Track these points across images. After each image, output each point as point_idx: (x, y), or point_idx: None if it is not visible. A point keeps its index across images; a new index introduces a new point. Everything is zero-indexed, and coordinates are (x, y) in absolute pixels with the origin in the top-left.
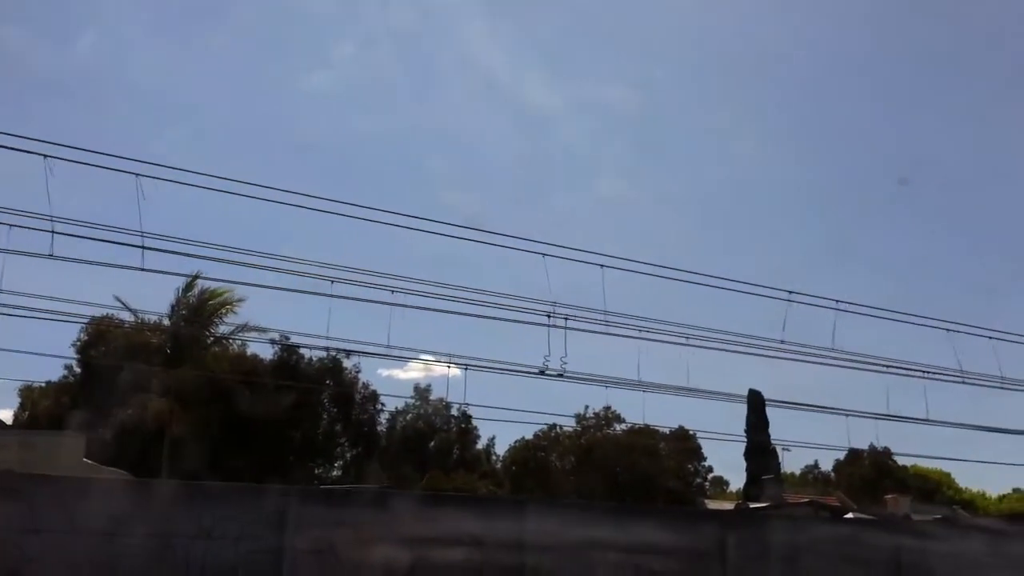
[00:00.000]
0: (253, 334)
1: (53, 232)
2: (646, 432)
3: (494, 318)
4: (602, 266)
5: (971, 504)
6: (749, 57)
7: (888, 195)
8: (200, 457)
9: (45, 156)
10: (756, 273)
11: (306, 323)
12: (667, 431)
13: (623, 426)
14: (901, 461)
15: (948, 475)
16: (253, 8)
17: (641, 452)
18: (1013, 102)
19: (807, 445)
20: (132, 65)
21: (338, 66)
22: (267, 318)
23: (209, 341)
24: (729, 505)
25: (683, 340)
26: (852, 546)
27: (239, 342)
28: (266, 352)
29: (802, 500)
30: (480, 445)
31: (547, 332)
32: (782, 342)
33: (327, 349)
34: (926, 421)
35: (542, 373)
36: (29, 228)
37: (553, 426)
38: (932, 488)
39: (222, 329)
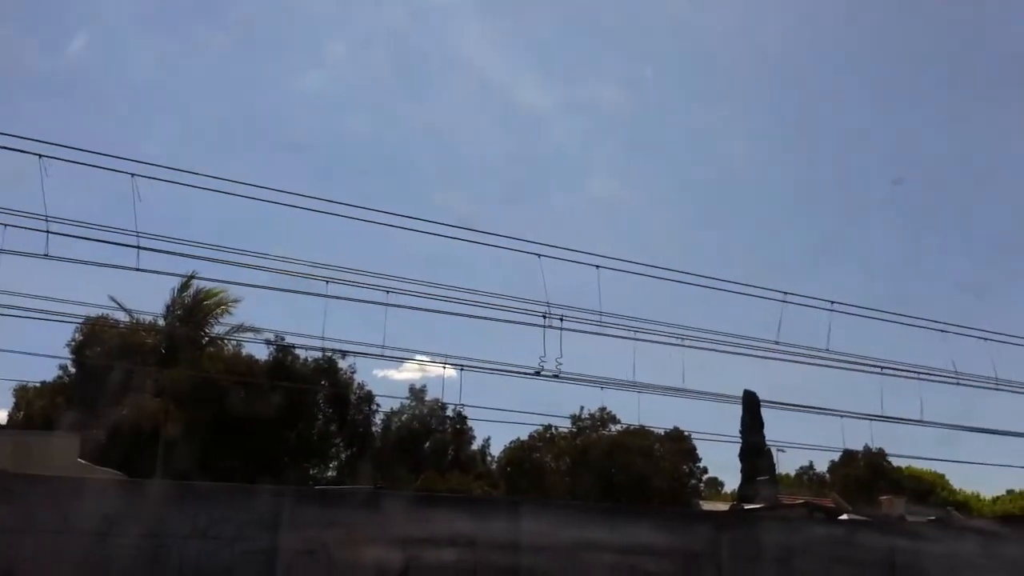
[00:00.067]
0: (248, 334)
1: (48, 232)
2: (641, 433)
3: (489, 319)
4: (597, 267)
5: (965, 505)
6: (741, 56)
7: (881, 195)
8: (194, 457)
9: (40, 156)
10: (749, 273)
11: (301, 323)
12: (662, 432)
13: (618, 427)
14: (895, 462)
15: (942, 476)
16: (247, 8)
17: (636, 453)
18: (1004, 102)
19: (802, 446)
20: (126, 64)
21: (331, 66)
22: (262, 318)
23: (204, 342)
24: (724, 506)
25: (678, 341)
26: (846, 547)
27: (234, 342)
28: (261, 353)
29: (797, 501)
30: (475, 446)
31: (542, 333)
32: (776, 343)
33: (322, 350)
34: (920, 422)
35: (537, 374)
36: (24, 228)
37: (548, 427)
38: (926, 489)
39: (217, 329)
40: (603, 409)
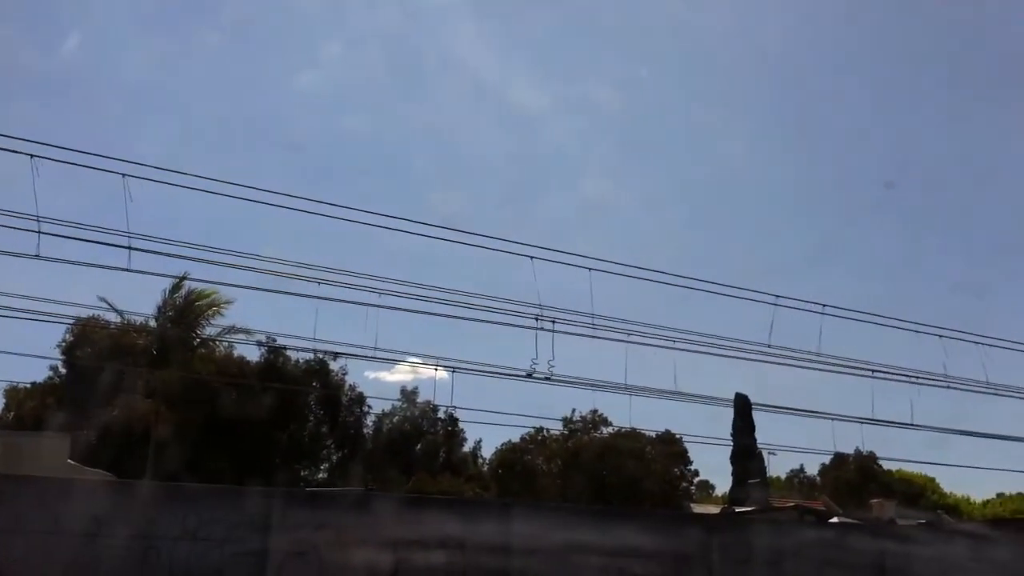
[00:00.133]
0: (240, 336)
1: (39, 232)
2: (632, 435)
3: (481, 320)
4: (590, 269)
5: (956, 509)
6: (737, 57)
7: (877, 197)
8: (185, 459)
9: (31, 156)
10: (743, 276)
11: (293, 325)
12: (654, 435)
13: (610, 429)
14: (886, 465)
15: (933, 479)
16: (241, 8)
17: (628, 456)
18: (1003, 102)
19: (793, 449)
20: (120, 64)
21: (326, 66)
22: (253, 320)
23: (195, 343)
24: (715, 509)
25: (670, 343)
26: (836, 550)
27: (225, 344)
28: (252, 354)
29: (788, 504)
30: (466, 448)
31: (535, 335)
32: (768, 346)
33: (314, 351)
34: (911, 425)
35: (529, 376)
36: (15, 228)
37: (540, 429)
38: (917, 492)
39: (209, 331)
40: (595, 411)
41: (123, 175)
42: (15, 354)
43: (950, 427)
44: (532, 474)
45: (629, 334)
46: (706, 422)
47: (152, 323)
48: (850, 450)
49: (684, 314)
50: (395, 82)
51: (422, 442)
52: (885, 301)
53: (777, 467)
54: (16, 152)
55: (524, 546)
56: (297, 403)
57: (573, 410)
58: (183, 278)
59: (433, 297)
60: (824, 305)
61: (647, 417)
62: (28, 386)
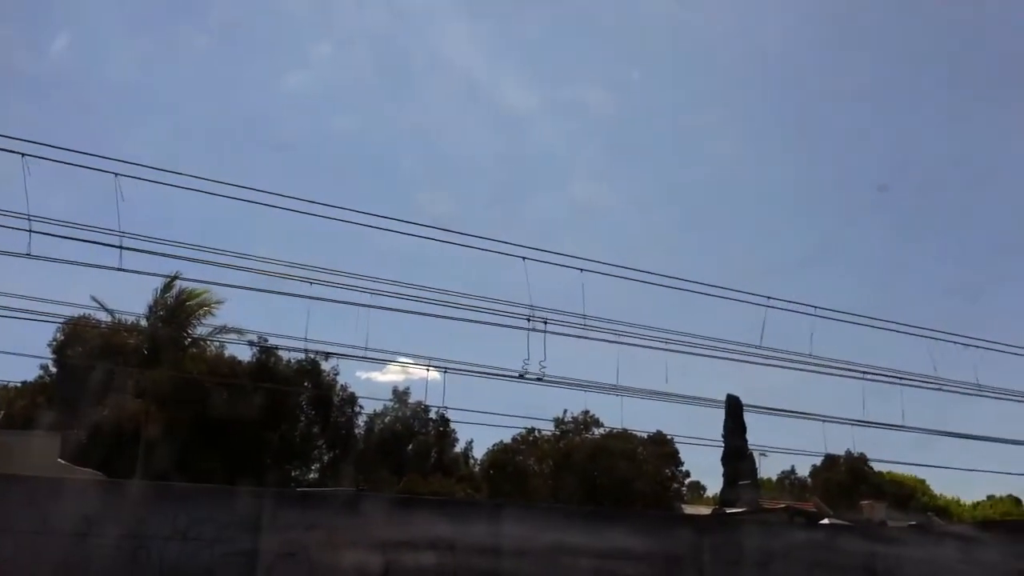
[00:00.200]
0: (231, 335)
1: (30, 231)
2: (624, 436)
3: (473, 321)
4: (582, 270)
5: (946, 510)
6: (728, 59)
7: (868, 200)
8: (175, 458)
9: (23, 155)
10: (734, 278)
11: (284, 325)
12: (645, 435)
13: (601, 430)
14: (877, 467)
15: (923, 481)
16: (229, 9)
17: (619, 457)
18: (1002, 103)
19: (784, 450)
20: (108, 65)
21: (315, 66)
22: (245, 319)
23: (187, 342)
24: (706, 510)
25: (661, 345)
26: (827, 552)
27: (217, 344)
28: (244, 354)
29: (778, 505)
30: (458, 448)
31: (526, 335)
32: (760, 347)
33: (305, 351)
34: (901, 427)
35: (521, 377)
36: (6, 227)
37: (531, 430)
38: (907, 494)
39: (200, 330)
40: (586, 412)
41: (115, 174)
42: (6, 353)
43: (940, 429)
44: (523, 475)
45: (620, 335)
46: (697, 423)
47: (143, 322)
48: (841, 452)
49: (675, 315)
50: (383, 82)
51: (413, 442)
52: (877, 303)
53: (768, 468)
54: (7, 151)
55: (515, 547)
56: (288, 403)
57: (564, 411)
58: (174, 278)
59: (425, 297)
60: (815, 307)
61: (638, 418)
62: (19, 385)
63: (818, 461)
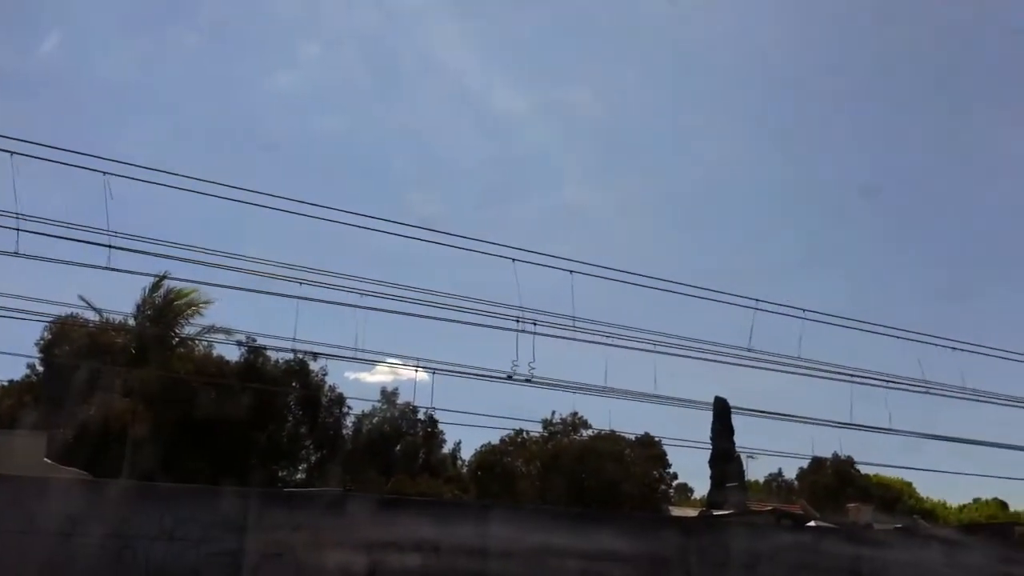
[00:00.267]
0: (219, 335)
1: (18, 230)
2: (611, 438)
3: (462, 322)
4: (571, 272)
5: (932, 513)
6: (716, 61)
7: (856, 203)
8: (162, 458)
9: (12, 153)
10: (722, 280)
11: (273, 325)
12: (632, 437)
13: (589, 432)
14: (863, 470)
15: (909, 484)
16: (218, 8)
17: (607, 458)
18: (985, 110)
19: (771, 453)
20: (98, 64)
21: (304, 67)
22: (234, 319)
23: (174, 342)
24: (693, 512)
25: (650, 347)
26: (812, 554)
27: (205, 343)
28: (232, 354)
29: (765, 508)
30: (446, 449)
31: (515, 337)
32: (748, 350)
33: (294, 351)
34: (889, 430)
35: (510, 378)
36: None
37: (519, 431)
38: (894, 497)
39: (188, 330)
40: (574, 414)
41: (104, 173)
42: None
43: (927, 432)
44: (511, 476)
45: (609, 337)
46: (685, 425)
47: (131, 322)
48: (828, 454)
49: (664, 317)
50: (373, 83)
51: (401, 443)
52: (864, 307)
53: (755, 471)
54: None
55: (499, 548)
56: (276, 403)
57: (553, 412)
58: (163, 277)
59: (414, 298)
60: (804, 310)
61: (626, 420)
62: (5, 384)
63: (805, 464)
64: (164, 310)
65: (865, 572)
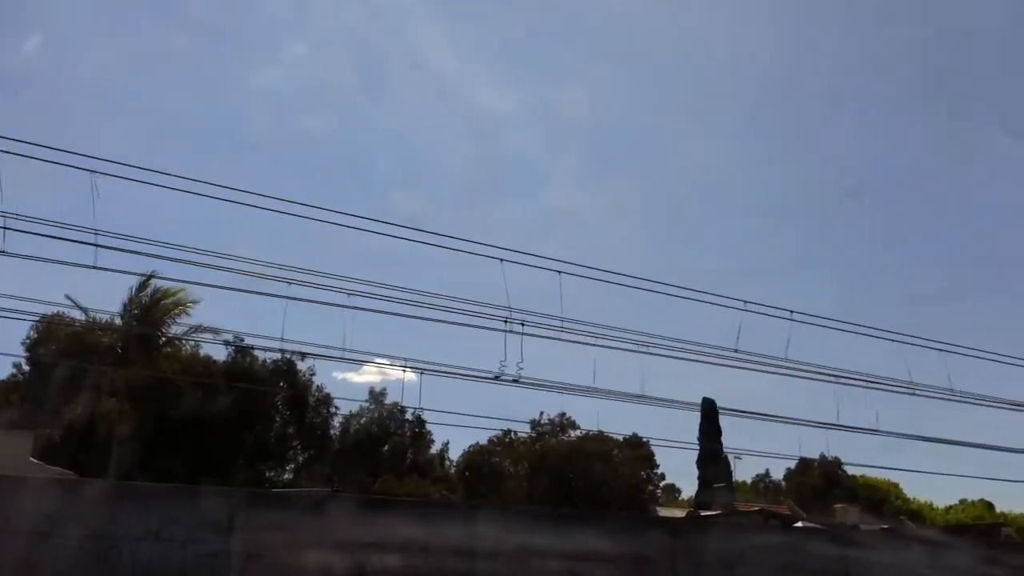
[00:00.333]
0: (207, 335)
1: (5, 228)
2: (599, 439)
3: (450, 322)
4: (559, 272)
5: (919, 514)
6: (703, 63)
7: (842, 205)
8: (148, 458)
9: None
10: (709, 281)
11: (261, 325)
12: (620, 438)
13: (577, 432)
14: (850, 471)
15: (896, 485)
16: (204, 6)
17: (595, 459)
18: (968, 111)
19: (759, 454)
20: (81, 62)
21: (289, 65)
22: (221, 319)
23: (161, 341)
24: (680, 512)
25: (638, 347)
26: (797, 555)
27: (192, 343)
28: (219, 353)
29: (753, 508)
30: (434, 450)
31: (503, 337)
32: (736, 351)
33: (281, 351)
34: (875, 431)
35: (497, 378)
36: None
37: (507, 432)
38: (880, 498)
39: (175, 329)
40: (563, 414)
41: (91, 171)
42: None
43: (914, 433)
44: (499, 476)
45: (597, 337)
46: (673, 426)
47: (118, 321)
48: (815, 455)
49: (652, 318)
50: (358, 83)
51: (389, 443)
52: (850, 308)
53: (743, 471)
54: None
55: (483, 549)
56: (264, 403)
57: (541, 413)
58: (150, 276)
59: (402, 298)
60: (791, 311)
61: (614, 420)
62: None
63: (792, 464)
64: (151, 309)
65: (851, 573)
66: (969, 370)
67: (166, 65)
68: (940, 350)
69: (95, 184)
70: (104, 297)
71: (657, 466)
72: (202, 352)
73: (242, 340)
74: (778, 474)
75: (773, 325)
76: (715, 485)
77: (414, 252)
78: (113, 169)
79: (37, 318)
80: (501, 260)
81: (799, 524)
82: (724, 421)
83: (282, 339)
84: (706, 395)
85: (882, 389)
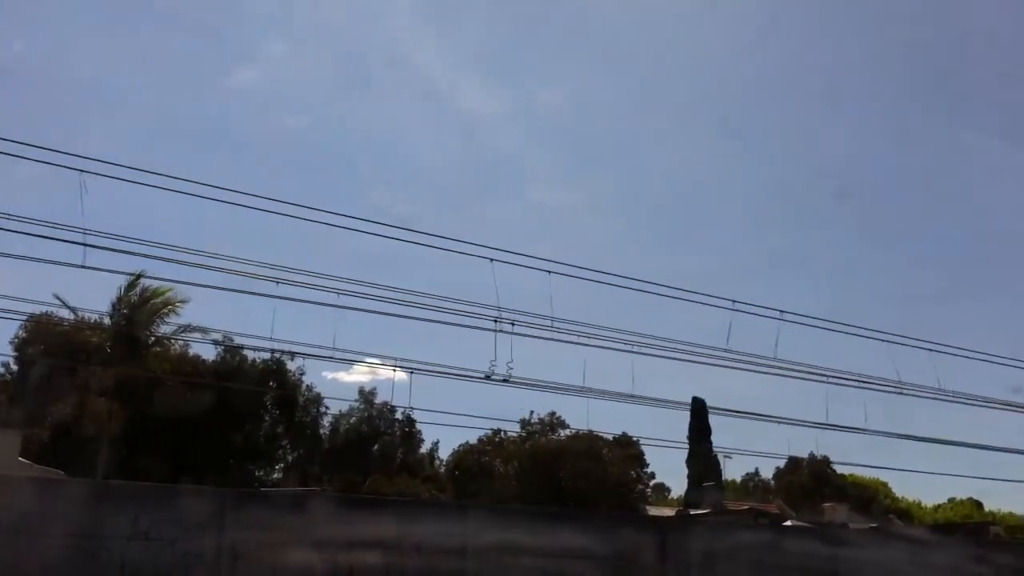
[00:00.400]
0: (196, 334)
1: None
2: (589, 438)
3: (441, 322)
4: (549, 272)
5: (907, 513)
6: (688, 62)
7: (829, 205)
8: (137, 457)
9: None
10: (695, 281)
11: (251, 324)
12: (610, 437)
13: (567, 432)
14: (839, 470)
15: (885, 484)
16: (183, 3)
17: (585, 458)
18: (958, 109)
19: (748, 453)
20: (60, 61)
21: (270, 63)
22: (210, 318)
23: (150, 341)
24: (670, 512)
25: (628, 347)
26: (785, 554)
27: (181, 342)
28: (209, 353)
29: (742, 507)
30: (424, 449)
31: (494, 337)
32: (726, 350)
33: (271, 351)
34: (864, 430)
35: (488, 378)
36: None
37: (497, 431)
38: (869, 497)
39: (164, 329)
40: (553, 414)
41: (80, 171)
42: None
43: (903, 432)
44: (489, 476)
45: (587, 337)
46: (663, 425)
47: (106, 320)
48: (804, 454)
49: (641, 318)
50: (339, 81)
51: (379, 443)
52: (839, 308)
53: (732, 470)
54: None
55: (471, 547)
56: (253, 403)
57: (531, 412)
58: (139, 276)
59: (392, 298)
60: (781, 311)
61: (604, 420)
62: None
63: (782, 463)
64: (140, 308)
65: (840, 571)
66: (958, 370)
67: (145, 62)
68: (929, 350)
69: (83, 183)
70: (93, 297)
71: (647, 465)
72: (191, 352)
73: (231, 340)
74: (767, 473)
75: (763, 325)
76: (704, 484)
77: (404, 252)
78: (102, 168)
79: (26, 317)
80: (491, 260)
81: (788, 523)
82: (714, 420)
83: (272, 338)
84: (696, 394)
85: (871, 388)
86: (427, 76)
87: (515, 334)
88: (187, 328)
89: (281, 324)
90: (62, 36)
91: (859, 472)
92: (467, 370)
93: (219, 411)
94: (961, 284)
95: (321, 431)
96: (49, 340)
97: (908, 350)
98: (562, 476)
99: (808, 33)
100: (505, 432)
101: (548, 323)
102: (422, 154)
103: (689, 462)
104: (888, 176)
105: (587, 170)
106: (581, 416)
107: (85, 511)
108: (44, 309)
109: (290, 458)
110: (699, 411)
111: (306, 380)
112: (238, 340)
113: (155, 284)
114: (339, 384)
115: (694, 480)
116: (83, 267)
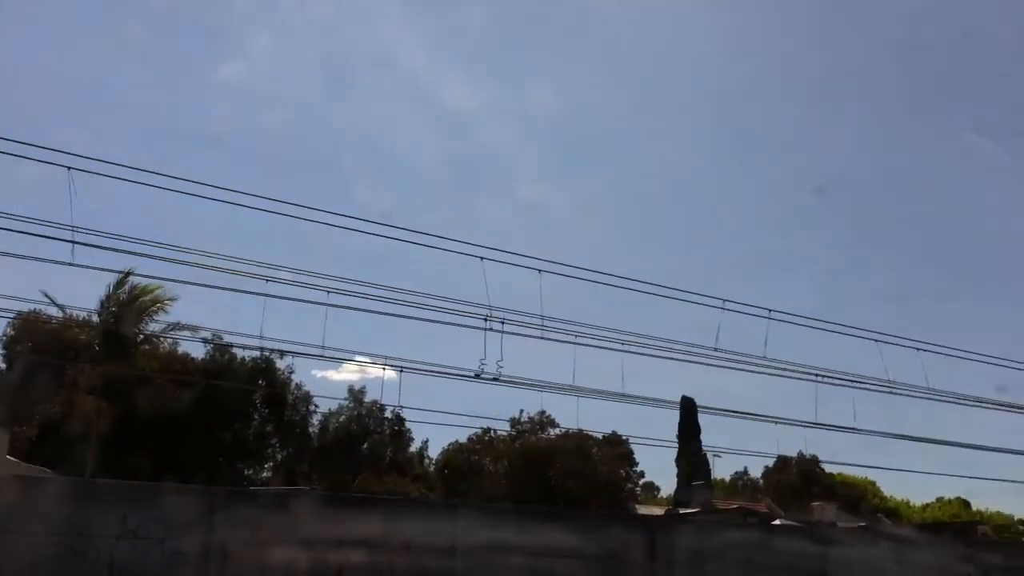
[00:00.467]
0: (185, 333)
1: None
2: (579, 437)
3: (430, 320)
4: (540, 271)
5: (896, 512)
6: (674, 60)
7: (816, 203)
8: (126, 455)
9: None
10: (682, 279)
11: (240, 322)
12: (600, 436)
13: (557, 431)
14: (828, 469)
15: (874, 483)
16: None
17: (574, 457)
18: (944, 107)
19: (737, 452)
20: (40, 56)
21: (253, 58)
22: (200, 316)
23: (139, 339)
24: (659, 510)
25: (617, 346)
26: (773, 552)
27: (170, 340)
28: (198, 351)
29: (731, 506)
30: (413, 448)
31: (483, 336)
32: (715, 349)
33: (260, 349)
34: (853, 430)
35: (477, 376)
36: None
37: (487, 430)
38: (858, 496)
39: (152, 327)
40: (542, 413)
41: (68, 168)
42: None
43: (891, 431)
44: (478, 475)
45: (577, 336)
46: (652, 424)
47: (95, 318)
48: (793, 453)
49: (631, 317)
50: (323, 77)
51: (368, 441)
52: (827, 307)
53: (721, 469)
54: None
55: (458, 545)
56: (242, 401)
57: (521, 411)
58: (128, 274)
59: (381, 296)
60: (770, 310)
61: (594, 418)
62: None
63: (771, 462)
64: (128, 307)
65: (828, 570)
66: (947, 369)
67: (126, 56)
68: (919, 349)
69: (72, 180)
70: (81, 294)
71: (636, 464)
72: (180, 350)
73: (220, 338)
74: (756, 472)
75: (752, 324)
76: (694, 483)
77: (393, 250)
78: (90, 165)
79: (13, 315)
80: (482, 258)
81: (777, 522)
82: (703, 419)
83: (261, 336)
84: (685, 393)
85: (860, 387)
86: (414, 72)
87: (505, 333)
88: (176, 326)
89: (270, 322)
90: (37, 31)
91: (848, 471)
92: (457, 369)
93: (208, 409)
94: (952, 284)
95: (310, 429)
96: (37, 338)
97: (898, 349)
98: (552, 475)
99: (804, 33)
100: (495, 431)
101: (538, 322)
102: (408, 151)
103: (678, 461)
104: (880, 176)
105: (577, 169)
106: (571, 415)
107: (73, 509)
108: (32, 307)
109: (279, 457)
110: (688, 410)
111: (295, 378)
112: (227, 338)
113: (144, 282)
114: (328, 382)
115: (683, 479)
116: (71, 264)
